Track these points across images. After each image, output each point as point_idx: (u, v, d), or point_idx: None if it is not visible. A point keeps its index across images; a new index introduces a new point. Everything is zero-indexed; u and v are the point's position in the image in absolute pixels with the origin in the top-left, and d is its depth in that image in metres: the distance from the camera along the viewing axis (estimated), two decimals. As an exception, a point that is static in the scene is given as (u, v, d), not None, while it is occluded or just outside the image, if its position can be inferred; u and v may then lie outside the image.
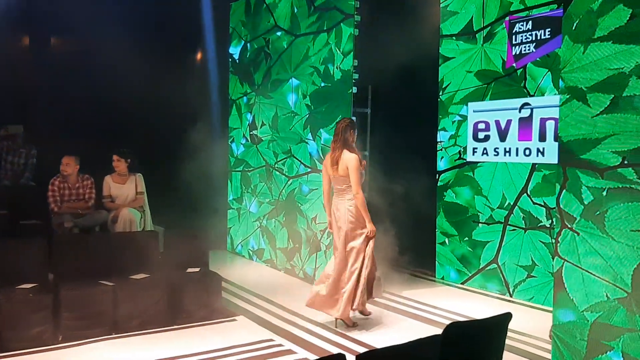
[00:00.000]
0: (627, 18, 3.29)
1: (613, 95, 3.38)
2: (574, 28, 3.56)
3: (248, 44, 8.36)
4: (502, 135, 6.38)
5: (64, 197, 6.14)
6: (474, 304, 5.99)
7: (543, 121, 5.97)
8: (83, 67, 7.41)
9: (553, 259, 3.74)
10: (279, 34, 7.57)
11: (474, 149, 6.70)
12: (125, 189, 6.32)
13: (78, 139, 6.69)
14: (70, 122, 7.29)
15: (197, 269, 5.49)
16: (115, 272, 5.12)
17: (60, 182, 6.14)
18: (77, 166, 6.19)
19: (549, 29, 5.90)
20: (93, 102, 7.42)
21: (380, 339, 4.77)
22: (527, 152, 6.13)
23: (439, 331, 2.54)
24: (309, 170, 6.90)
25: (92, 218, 6.15)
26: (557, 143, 3.79)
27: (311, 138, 6.84)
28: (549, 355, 4.14)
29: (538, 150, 6.02)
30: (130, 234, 5.88)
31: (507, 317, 2.86)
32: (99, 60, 7.27)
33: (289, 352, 4.48)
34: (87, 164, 6.36)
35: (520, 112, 6.19)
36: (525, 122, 6.15)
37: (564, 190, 3.63)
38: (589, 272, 3.51)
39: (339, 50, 6.32)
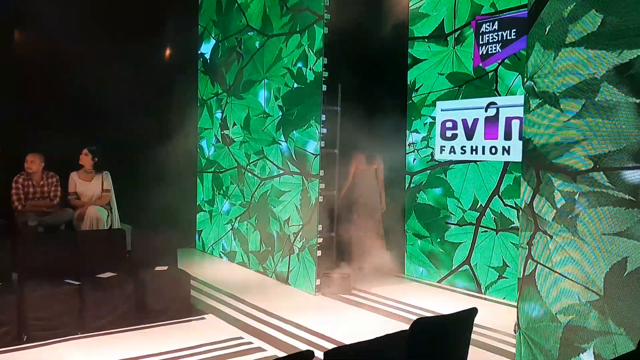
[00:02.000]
0: (599, 24, 3.34)
1: (584, 101, 3.42)
2: (546, 33, 3.60)
3: (219, 44, 8.32)
4: (469, 133, 6.48)
5: (28, 195, 6.02)
6: (444, 301, 6.04)
7: (509, 120, 6.08)
8: (48, 64, 7.28)
9: (526, 261, 3.76)
10: (250, 34, 7.56)
11: (441, 147, 6.80)
12: (91, 186, 6.22)
13: (43, 136, 6.58)
14: (35, 119, 7.16)
15: (165, 268, 5.43)
16: (81, 271, 5.03)
17: (24, 180, 6.02)
18: (42, 164, 6.08)
19: (515, 30, 6.02)
20: (59, 99, 7.29)
21: (348, 335, 4.79)
22: (493, 150, 6.23)
23: (406, 327, 2.55)
24: (282, 171, 6.88)
25: (57, 216, 6.03)
26: (521, 141, 3.84)
27: (284, 139, 6.83)
28: (512, 349, 4.20)
29: (504, 148, 6.12)
30: (96, 232, 5.78)
31: (473, 312, 2.89)
32: (65, 56, 7.13)
33: (258, 349, 4.46)
34: (52, 162, 6.25)
35: (486, 111, 6.30)
36: (492, 121, 6.26)
37: (537, 194, 3.67)
38: (561, 275, 3.54)
39: (312, 52, 6.33)
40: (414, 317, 5.04)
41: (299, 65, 6.56)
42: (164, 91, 8.34)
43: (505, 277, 6.15)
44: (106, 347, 4.43)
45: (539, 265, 3.66)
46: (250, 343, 4.59)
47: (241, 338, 4.70)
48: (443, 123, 6.78)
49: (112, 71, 7.15)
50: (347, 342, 4.35)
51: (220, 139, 8.27)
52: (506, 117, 6.11)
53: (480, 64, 6.35)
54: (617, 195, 3.24)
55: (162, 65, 8.70)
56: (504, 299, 6.13)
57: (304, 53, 6.47)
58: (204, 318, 5.24)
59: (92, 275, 5.03)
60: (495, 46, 6.20)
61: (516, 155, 5.87)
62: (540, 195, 3.64)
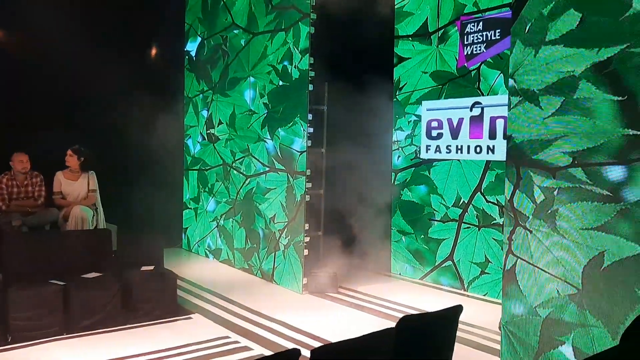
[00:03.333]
0: (577, 22, 3.39)
1: (564, 98, 3.46)
2: (526, 31, 3.64)
3: (205, 41, 8.29)
4: (454, 133, 6.53)
5: (12, 195, 5.96)
6: (429, 299, 6.09)
7: (493, 119, 6.15)
8: (33, 62, 7.18)
9: (506, 256, 3.81)
10: (236, 31, 7.54)
11: (427, 146, 6.85)
12: (77, 185, 6.17)
13: (29, 136, 6.50)
14: (20, 119, 7.08)
15: (151, 267, 5.41)
16: (66, 271, 5.01)
17: (8, 180, 5.96)
18: (28, 163, 6.02)
19: (499, 30, 6.08)
20: (44, 98, 7.21)
21: (335, 333, 4.81)
22: (478, 149, 6.29)
23: (392, 325, 2.57)
24: (267, 169, 6.89)
25: (41, 216, 5.97)
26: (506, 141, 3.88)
27: (269, 137, 6.84)
28: (498, 346, 4.25)
29: (488, 147, 6.19)
30: (81, 232, 5.74)
31: (458, 309, 2.92)
32: (50, 55, 7.05)
33: (245, 348, 4.47)
34: (38, 162, 6.19)
35: (471, 110, 6.36)
36: (476, 121, 6.32)
37: (517, 190, 3.72)
38: (540, 269, 3.59)
39: (297, 50, 6.34)
40: (400, 315, 5.09)
41: (284, 62, 6.56)
42: (149, 89, 8.27)
43: (488, 273, 6.22)
44: (92, 348, 4.41)
45: (519, 260, 3.71)
46: (237, 342, 4.60)
47: (228, 337, 4.71)
48: (429, 122, 6.83)
49: (98, 70, 7.08)
50: (334, 340, 4.37)
51: (206, 137, 8.25)
52: (491, 117, 6.17)
53: (465, 64, 6.40)
54: (595, 191, 3.30)
55: (148, 63, 8.64)
56: (485, 294, 6.21)
57: (289, 51, 6.48)
58: (190, 317, 5.23)
59: (77, 276, 5.01)
60: (480, 46, 6.25)
61: (500, 154, 5.94)
62: (521, 191, 3.69)
